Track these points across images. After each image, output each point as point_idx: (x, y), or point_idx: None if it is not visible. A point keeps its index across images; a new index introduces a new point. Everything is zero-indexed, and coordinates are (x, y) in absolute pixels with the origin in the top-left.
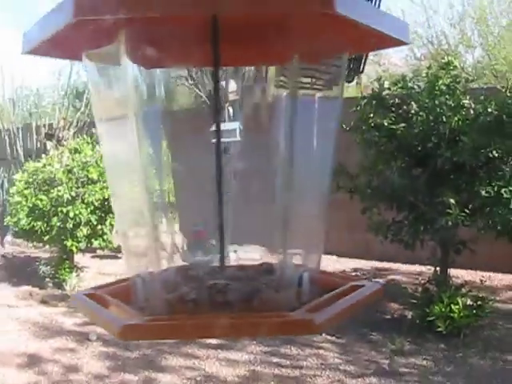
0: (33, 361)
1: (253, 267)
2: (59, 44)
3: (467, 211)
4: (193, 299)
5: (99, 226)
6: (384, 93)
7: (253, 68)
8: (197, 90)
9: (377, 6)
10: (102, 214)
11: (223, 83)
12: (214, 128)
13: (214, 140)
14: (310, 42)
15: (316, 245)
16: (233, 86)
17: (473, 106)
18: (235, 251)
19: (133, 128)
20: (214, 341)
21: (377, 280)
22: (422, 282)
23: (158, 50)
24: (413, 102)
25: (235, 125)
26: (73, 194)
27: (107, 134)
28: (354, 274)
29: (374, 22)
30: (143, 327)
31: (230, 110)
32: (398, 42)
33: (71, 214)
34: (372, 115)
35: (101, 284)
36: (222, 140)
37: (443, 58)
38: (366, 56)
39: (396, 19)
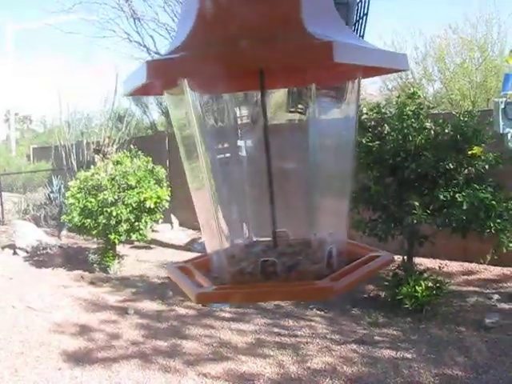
0: (83, 330)
1: (296, 244)
2: (147, 89)
3: (428, 211)
4: (249, 272)
5: (136, 223)
6: (363, 117)
7: (259, 95)
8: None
9: (363, 29)
10: (139, 213)
11: (234, 108)
12: (226, 145)
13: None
14: (325, 73)
15: (342, 224)
16: (244, 111)
17: (433, 127)
18: (283, 232)
19: (198, 143)
20: (227, 314)
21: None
22: (393, 268)
23: (214, 83)
24: (385, 125)
25: (241, 143)
26: (115, 197)
27: (183, 147)
28: None
29: (375, 60)
30: (211, 294)
31: (240, 131)
32: (398, 70)
33: (114, 213)
34: None
35: (190, 258)
36: (230, 155)
37: (410, 90)
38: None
39: (396, 53)
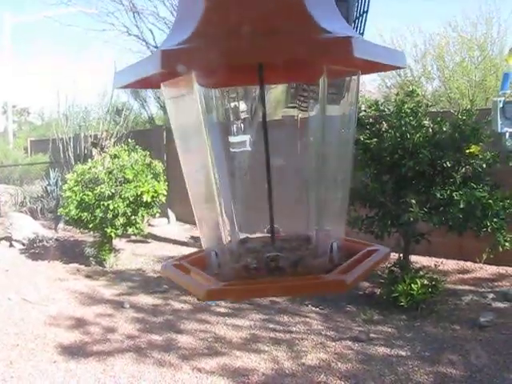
0: (78, 323)
1: (296, 239)
2: (143, 81)
3: (425, 210)
4: (254, 268)
5: (133, 217)
6: (361, 114)
7: (258, 90)
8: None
9: (362, 27)
10: (135, 207)
11: (236, 103)
12: (231, 140)
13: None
14: (330, 69)
15: (341, 220)
16: (243, 106)
17: (431, 125)
18: (275, 228)
19: (202, 135)
20: (222, 309)
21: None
22: (389, 265)
23: (218, 76)
24: (384, 122)
25: (245, 137)
26: (112, 190)
27: (182, 141)
28: None
29: (382, 58)
30: (221, 291)
31: (242, 125)
32: (397, 67)
33: (111, 207)
34: None
35: (183, 254)
36: (235, 150)
37: (408, 87)
38: (347, 83)
39: (395, 51)
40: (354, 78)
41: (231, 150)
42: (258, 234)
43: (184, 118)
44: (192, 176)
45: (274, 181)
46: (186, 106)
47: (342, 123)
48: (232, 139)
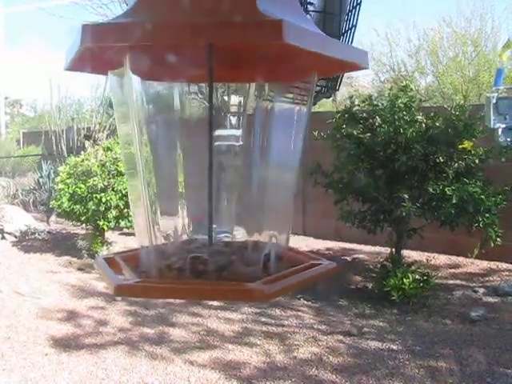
0: (70, 316)
1: (236, 244)
2: (87, 63)
3: (418, 205)
4: (178, 267)
5: (125, 210)
6: (354, 108)
7: (248, 85)
8: (205, 103)
9: (350, 42)
10: (128, 200)
11: (226, 97)
12: (217, 133)
13: (216, 143)
14: (282, 66)
15: (285, 227)
16: (234, 99)
17: (424, 121)
18: (225, 231)
19: (136, 132)
20: (215, 303)
21: (338, 259)
22: (381, 260)
23: (162, 68)
24: (377, 117)
25: (233, 132)
26: (105, 183)
27: (122, 135)
28: (326, 252)
29: (329, 50)
30: (131, 287)
31: (232, 119)
32: (358, 67)
33: (103, 200)
34: (344, 126)
35: (120, 251)
36: (224, 143)
37: (402, 82)
38: (342, 77)
39: (356, 49)
40: (310, 78)
41: (178, 146)
42: (204, 237)
43: (123, 109)
44: (129, 171)
45: (221, 182)
46: (124, 97)
47: (290, 126)
48: (168, 135)
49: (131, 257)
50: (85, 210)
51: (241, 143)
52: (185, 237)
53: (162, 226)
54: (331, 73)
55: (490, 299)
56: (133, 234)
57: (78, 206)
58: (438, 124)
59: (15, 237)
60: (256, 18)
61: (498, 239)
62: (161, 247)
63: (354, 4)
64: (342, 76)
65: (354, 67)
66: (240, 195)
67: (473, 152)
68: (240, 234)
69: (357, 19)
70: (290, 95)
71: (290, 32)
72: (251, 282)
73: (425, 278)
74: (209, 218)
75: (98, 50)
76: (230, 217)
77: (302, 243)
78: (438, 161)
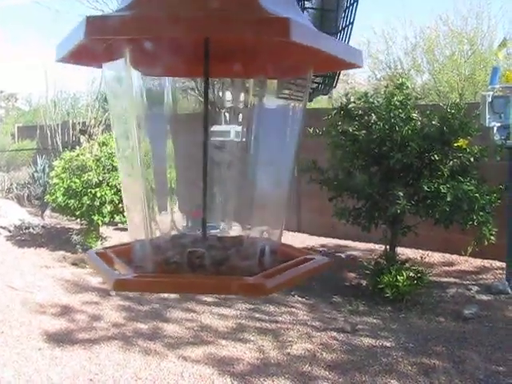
0: (64, 310)
1: (229, 239)
2: (83, 56)
3: (412, 202)
4: (175, 262)
5: (120, 205)
6: (350, 105)
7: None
8: (200, 99)
9: (347, 39)
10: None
11: (221, 93)
12: (212, 129)
13: (212, 138)
14: (279, 63)
15: (279, 223)
16: (229, 95)
17: (420, 118)
18: (219, 226)
19: (134, 127)
20: (209, 298)
21: (332, 255)
22: (375, 257)
23: (160, 63)
24: (373, 114)
25: (229, 127)
26: (100, 178)
27: (118, 130)
28: (321, 249)
29: (331, 49)
30: (130, 281)
31: (227, 115)
32: (353, 65)
33: (98, 195)
34: (340, 123)
35: (111, 245)
36: (218, 139)
37: (398, 80)
38: (339, 74)
39: (351, 47)
40: (306, 75)
41: (171, 140)
42: (198, 232)
43: (120, 103)
44: (123, 165)
45: (216, 176)
46: (122, 91)
47: (285, 122)
48: (164, 130)
49: (123, 251)
50: (79, 205)
51: (235, 139)
52: (174, 232)
53: (158, 221)
54: (327, 70)
55: (484, 297)
56: (127, 229)
57: (72, 201)
58: (433, 122)
59: (9, 231)
60: (259, 14)
61: (492, 237)
62: (154, 241)
63: (352, 1)
64: (339, 73)
65: (349, 65)
66: (233, 190)
67: (468, 150)
68: (232, 229)
69: (354, 16)
70: (286, 91)
71: (297, 30)
72: (249, 277)
73: (419, 275)
74: (203, 213)
75: (96, 43)
76: (221, 212)
77: (297, 240)
78: (433, 159)
